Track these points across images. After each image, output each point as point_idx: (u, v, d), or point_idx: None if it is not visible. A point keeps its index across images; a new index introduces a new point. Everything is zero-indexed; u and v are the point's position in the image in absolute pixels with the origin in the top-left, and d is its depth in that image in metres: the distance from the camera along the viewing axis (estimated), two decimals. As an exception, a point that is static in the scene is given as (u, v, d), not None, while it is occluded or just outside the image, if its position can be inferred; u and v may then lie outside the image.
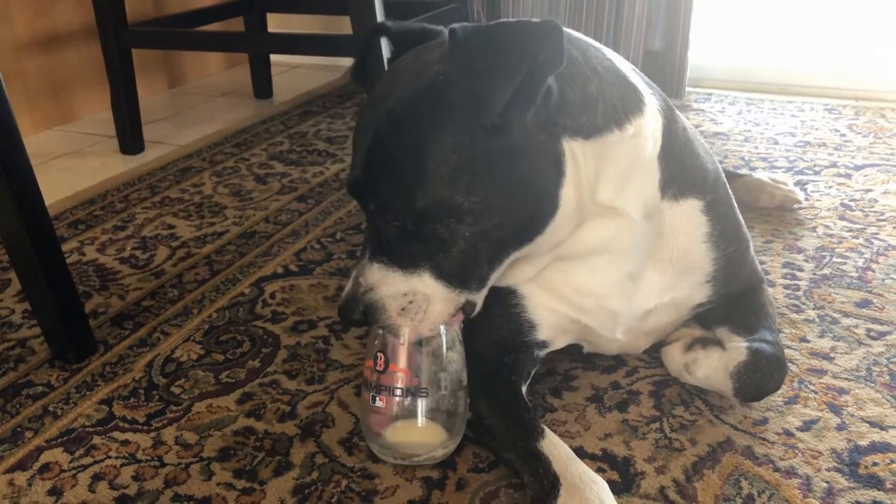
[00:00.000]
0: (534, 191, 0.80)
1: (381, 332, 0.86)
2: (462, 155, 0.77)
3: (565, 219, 0.84)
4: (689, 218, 0.94)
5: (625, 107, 0.84)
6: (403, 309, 0.83)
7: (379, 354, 0.85)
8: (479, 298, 0.88)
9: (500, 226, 0.80)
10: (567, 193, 0.82)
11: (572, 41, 0.84)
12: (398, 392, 0.84)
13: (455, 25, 0.76)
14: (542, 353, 1.00)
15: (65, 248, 1.46)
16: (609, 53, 0.89)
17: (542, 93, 0.77)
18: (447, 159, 0.77)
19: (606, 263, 0.91)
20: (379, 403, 0.85)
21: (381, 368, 0.85)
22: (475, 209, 0.78)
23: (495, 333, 0.97)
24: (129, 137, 2.02)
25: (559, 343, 1.00)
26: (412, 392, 0.84)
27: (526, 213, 0.81)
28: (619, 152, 0.84)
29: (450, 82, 0.76)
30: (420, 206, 0.78)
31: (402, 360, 0.85)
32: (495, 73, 0.73)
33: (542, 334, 0.97)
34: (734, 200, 1.02)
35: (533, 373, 1.00)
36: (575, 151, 0.82)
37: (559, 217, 0.83)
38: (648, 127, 0.86)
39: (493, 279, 0.87)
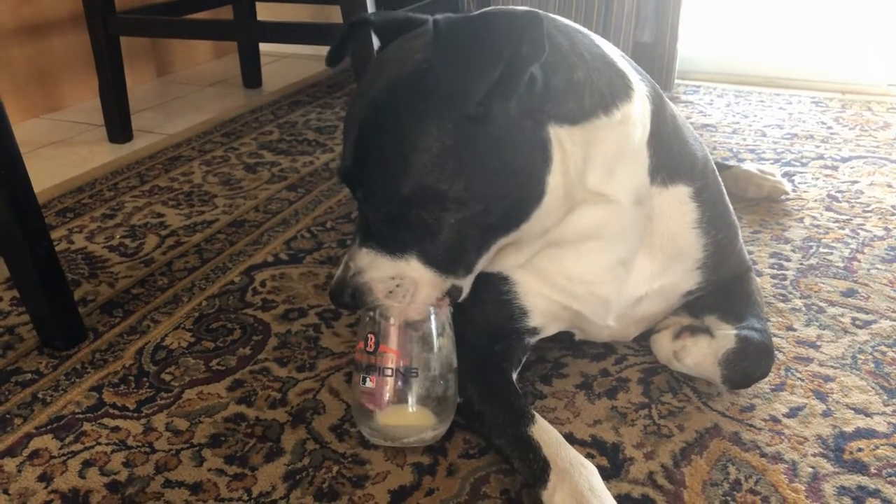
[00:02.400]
0: (518, 178, 0.81)
1: (371, 314, 0.86)
2: (445, 143, 0.77)
3: (553, 205, 0.84)
4: (678, 204, 0.94)
5: (612, 93, 0.85)
6: (391, 292, 0.84)
7: (369, 336, 0.86)
8: (465, 284, 0.88)
9: (485, 212, 0.81)
10: (555, 180, 0.83)
11: (559, 27, 0.85)
12: (388, 372, 0.85)
13: (438, 16, 0.77)
14: (533, 340, 1.00)
15: (53, 235, 1.45)
16: (597, 40, 0.89)
17: (523, 82, 0.77)
18: (430, 147, 0.77)
19: (597, 250, 0.92)
20: (369, 384, 0.85)
21: (371, 349, 0.85)
22: (459, 196, 0.79)
23: (486, 321, 0.97)
24: (118, 126, 2.00)
25: (550, 330, 1.01)
26: (402, 372, 0.85)
27: (511, 199, 0.81)
28: (607, 138, 0.85)
29: (432, 72, 0.77)
30: (405, 194, 0.79)
31: (392, 340, 0.85)
32: (476, 65, 0.73)
33: (533, 321, 0.97)
34: (723, 188, 1.03)
35: (524, 360, 1.00)
36: (561, 138, 0.82)
37: (546, 204, 0.83)
38: (636, 113, 0.87)
39: (481, 265, 0.88)
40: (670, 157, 0.92)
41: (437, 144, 0.77)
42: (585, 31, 0.89)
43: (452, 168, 0.78)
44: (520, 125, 0.79)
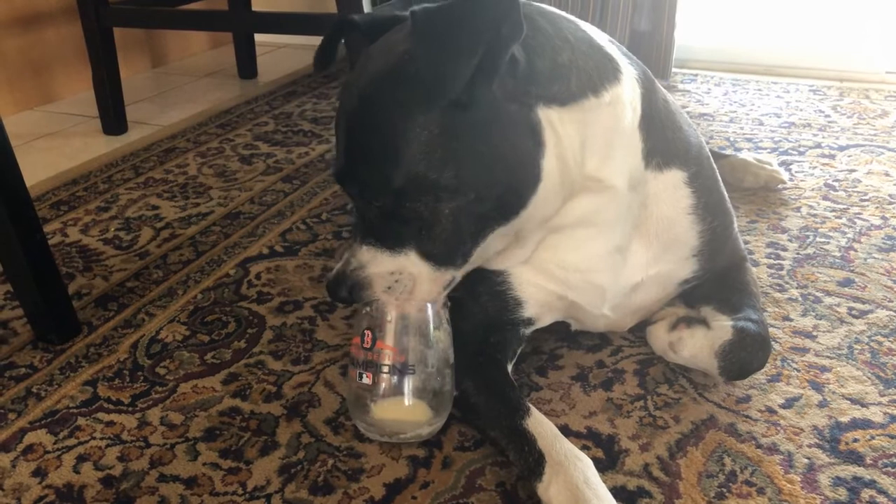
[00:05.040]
0: (510, 162, 0.80)
1: (368, 309, 0.86)
2: (431, 131, 0.77)
3: (551, 191, 0.84)
4: (673, 189, 0.94)
5: (600, 75, 0.85)
6: (389, 287, 0.84)
7: (366, 331, 0.85)
8: (460, 274, 0.88)
9: (479, 200, 0.80)
10: (550, 164, 0.82)
11: (543, 14, 0.85)
12: (385, 369, 0.84)
13: (416, 7, 0.76)
14: (528, 331, 1.00)
15: (47, 229, 1.45)
16: (583, 25, 0.89)
17: (504, 63, 0.77)
18: (417, 136, 0.77)
19: (592, 237, 0.91)
20: (366, 380, 0.85)
21: (368, 345, 0.85)
22: (450, 184, 0.78)
23: (481, 312, 0.97)
24: (112, 118, 1.99)
25: (546, 320, 1.00)
26: (399, 369, 0.84)
27: (504, 185, 0.81)
28: (598, 120, 0.84)
29: (414, 60, 0.77)
30: (396, 185, 0.79)
31: (389, 337, 0.85)
32: (457, 48, 0.73)
33: (528, 311, 0.97)
34: (718, 175, 1.03)
35: (519, 352, 1.00)
36: (552, 120, 0.82)
37: (544, 189, 0.83)
38: (626, 94, 0.87)
39: (478, 255, 0.87)
40: (664, 141, 0.92)
41: (424, 133, 0.77)
42: (571, 17, 0.89)
43: (441, 156, 0.78)
44: (506, 108, 0.79)
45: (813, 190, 1.53)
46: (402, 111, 0.77)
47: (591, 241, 0.92)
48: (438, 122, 0.77)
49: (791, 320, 1.11)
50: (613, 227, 0.91)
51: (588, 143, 0.85)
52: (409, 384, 0.85)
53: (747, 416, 0.92)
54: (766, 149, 1.75)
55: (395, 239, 0.83)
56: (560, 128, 0.82)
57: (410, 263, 0.83)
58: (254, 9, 2.40)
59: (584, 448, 0.86)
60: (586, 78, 0.83)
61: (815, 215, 1.42)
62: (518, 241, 0.90)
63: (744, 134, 1.85)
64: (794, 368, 1.01)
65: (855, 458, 0.86)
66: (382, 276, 0.84)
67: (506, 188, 0.81)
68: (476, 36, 0.73)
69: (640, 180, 0.90)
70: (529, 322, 0.99)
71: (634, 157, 0.89)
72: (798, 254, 1.29)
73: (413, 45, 0.77)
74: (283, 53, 2.82)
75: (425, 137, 0.77)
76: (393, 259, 0.84)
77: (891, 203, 1.46)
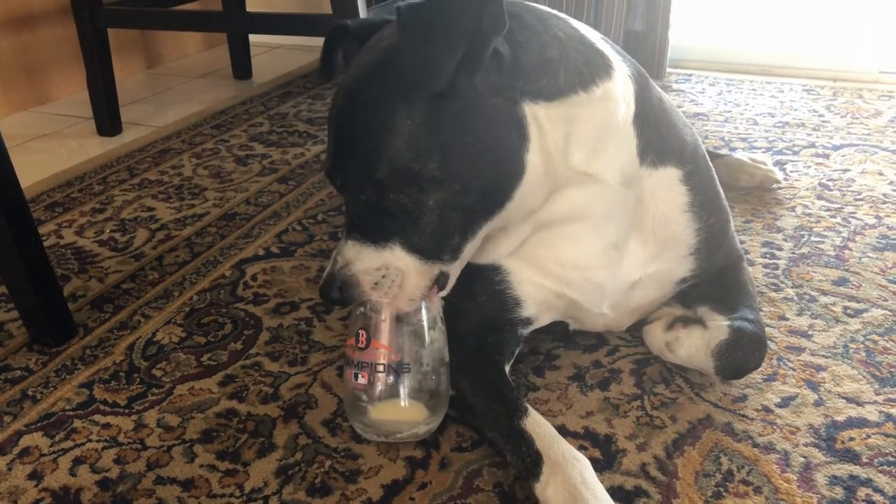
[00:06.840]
0: (493, 155, 0.81)
1: (362, 310, 0.86)
2: (415, 122, 0.78)
3: (535, 184, 0.84)
4: (668, 187, 0.94)
5: (591, 71, 0.85)
6: (377, 283, 0.84)
7: (361, 331, 0.85)
8: (452, 270, 0.88)
9: (463, 192, 0.80)
10: (534, 158, 0.83)
11: (532, 11, 0.86)
12: (380, 368, 0.84)
13: (401, 3, 0.77)
14: (526, 331, 1.00)
15: (42, 230, 1.44)
16: (575, 23, 0.90)
17: (486, 56, 0.77)
18: (400, 127, 0.78)
19: (587, 233, 0.92)
20: (361, 380, 0.85)
21: (362, 345, 0.85)
22: (434, 176, 0.79)
23: (479, 313, 0.97)
24: (107, 119, 1.99)
25: (544, 320, 1.00)
26: (394, 368, 0.84)
27: (488, 177, 0.81)
28: (588, 115, 0.85)
29: (398, 53, 0.78)
30: (379, 177, 0.79)
31: (383, 336, 0.85)
32: (440, 40, 0.74)
33: (526, 311, 0.97)
34: (715, 174, 1.03)
35: (516, 352, 1.00)
36: (538, 115, 0.82)
37: (527, 182, 0.83)
38: (618, 90, 0.87)
39: (468, 251, 0.87)
40: (659, 138, 0.92)
41: (406, 124, 0.78)
42: (563, 15, 0.90)
43: (424, 147, 0.78)
44: (490, 101, 0.80)
45: (807, 189, 1.53)
46: (385, 103, 0.78)
47: (585, 236, 0.92)
48: (422, 113, 0.78)
49: (787, 320, 1.11)
50: (606, 222, 0.92)
51: (574, 137, 0.85)
52: (404, 383, 0.85)
53: (744, 416, 0.92)
54: (760, 148, 1.76)
55: (380, 233, 0.83)
56: (546, 123, 0.83)
57: (395, 258, 0.83)
58: (248, 9, 2.40)
59: (581, 448, 0.86)
60: (575, 73, 0.84)
61: (809, 215, 1.43)
62: (505, 233, 0.90)
63: (738, 134, 1.86)
64: (790, 368, 1.01)
65: (851, 456, 0.86)
66: (368, 272, 0.84)
67: (490, 180, 0.82)
68: (458, 29, 0.74)
69: (634, 176, 0.91)
70: (528, 322, 0.99)
71: (629, 153, 0.89)
72: (793, 253, 1.29)
73: (397, 39, 0.78)
74: (278, 54, 2.82)
75: (408, 128, 0.78)
76: (378, 254, 0.84)
77: (885, 202, 1.47)
